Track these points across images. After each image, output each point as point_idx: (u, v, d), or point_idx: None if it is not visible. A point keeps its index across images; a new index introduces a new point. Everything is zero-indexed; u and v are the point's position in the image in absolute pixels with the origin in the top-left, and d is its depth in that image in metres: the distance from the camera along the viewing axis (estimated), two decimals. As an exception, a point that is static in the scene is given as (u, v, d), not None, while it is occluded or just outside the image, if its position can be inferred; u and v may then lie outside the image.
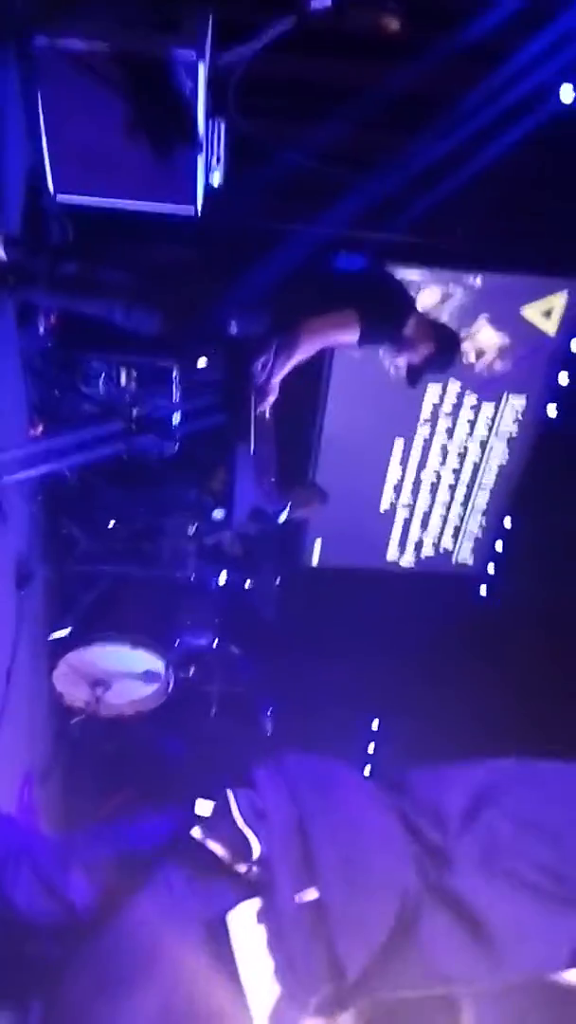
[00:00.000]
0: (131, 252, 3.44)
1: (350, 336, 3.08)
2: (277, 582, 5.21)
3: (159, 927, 1.36)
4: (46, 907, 1.50)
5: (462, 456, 5.45)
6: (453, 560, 5.93)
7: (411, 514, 5.73)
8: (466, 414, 5.24)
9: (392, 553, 5.87)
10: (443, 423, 5.27)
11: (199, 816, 1.47)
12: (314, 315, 3.05)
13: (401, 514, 5.72)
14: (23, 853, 1.59)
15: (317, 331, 3.06)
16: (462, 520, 5.78)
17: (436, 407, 5.17)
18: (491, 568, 5.89)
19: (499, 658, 5.62)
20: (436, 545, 5.88)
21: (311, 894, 1.33)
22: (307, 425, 5.13)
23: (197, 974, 1.32)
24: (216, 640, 4.98)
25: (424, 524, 5.78)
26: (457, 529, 5.82)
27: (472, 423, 5.29)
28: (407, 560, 5.91)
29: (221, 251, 3.53)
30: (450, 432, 5.30)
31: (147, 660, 4.58)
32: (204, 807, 1.48)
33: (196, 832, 1.46)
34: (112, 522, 4.43)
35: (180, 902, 1.40)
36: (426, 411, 5.19)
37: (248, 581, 4.93)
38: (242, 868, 1.39)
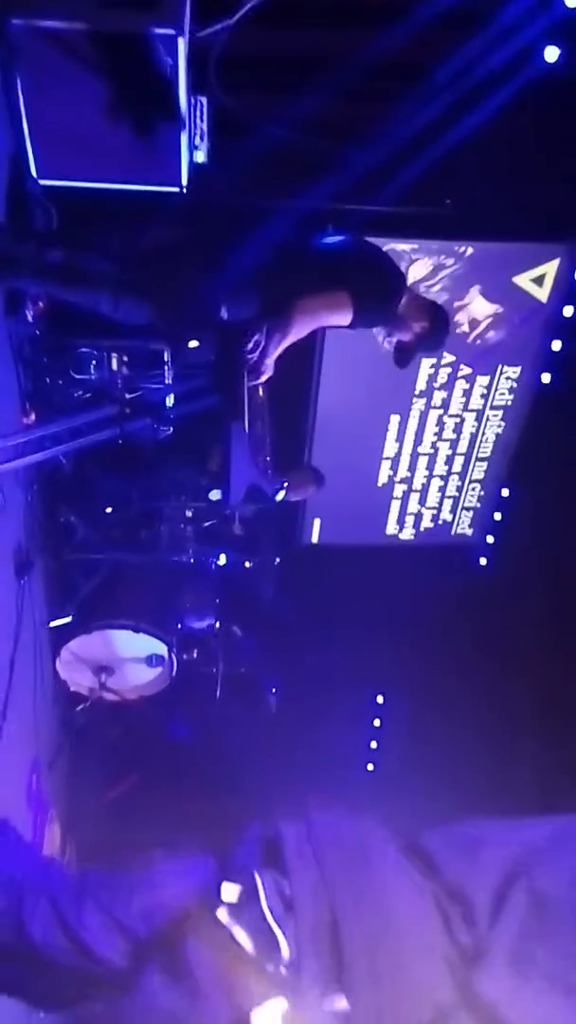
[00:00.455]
0: (117, 236, 3.39)
1: (343, 318, 3.06)
2: (277, 561, 5.21)
3: (181, 1017, 1.33)
4: (62, 945, 1.49)
5: (458, 428, 5.43)
6: (452, 532, 5.93)
7: (409, 488, 5.72)
8: (461, 385, 5.22)
9: (391, 527, 5.87)
10: (438, 396, 5.24)
11: (224, 900, 1.41)
12: (305, 296, 3.02)
13: (399, 488, 5.71)
14: (43, 886, 1.58)
15: (309, 315, 3.03)
16: (460, 492, 5.77)
17: (431, 380, 5.15)
18: (490, 538, 5.89)
19: (500, 627, 5.64)
20: (435, 517, 5.88)
21: (341, 1003, 1.28)
22: (301, 404, 5.10)
23: None
24: (218, 622, 4.99)
25: (422, 497, 5.78)
26: (455, 501, 5.82)
27: (467, 394, 5.27)
28: (406, 534, 5.91)
29: (208, 230, 3.49)
30: (445, 404, 5.28)
31: (150, 644, 4.59)
32: (230, 892, 1.42)
33: (223, 916, 1.40)
34: (109, 508, 4.41)
35: (202, 989, 1.35)
36: (421, 384, 5.16)
37: (248, 561, 4.92)
38: (269, 967, 1.34)
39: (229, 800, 5.30)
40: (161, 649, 4.62)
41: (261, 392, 3.57)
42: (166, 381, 3.82)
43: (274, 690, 5.20)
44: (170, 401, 3.89)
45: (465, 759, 5.37)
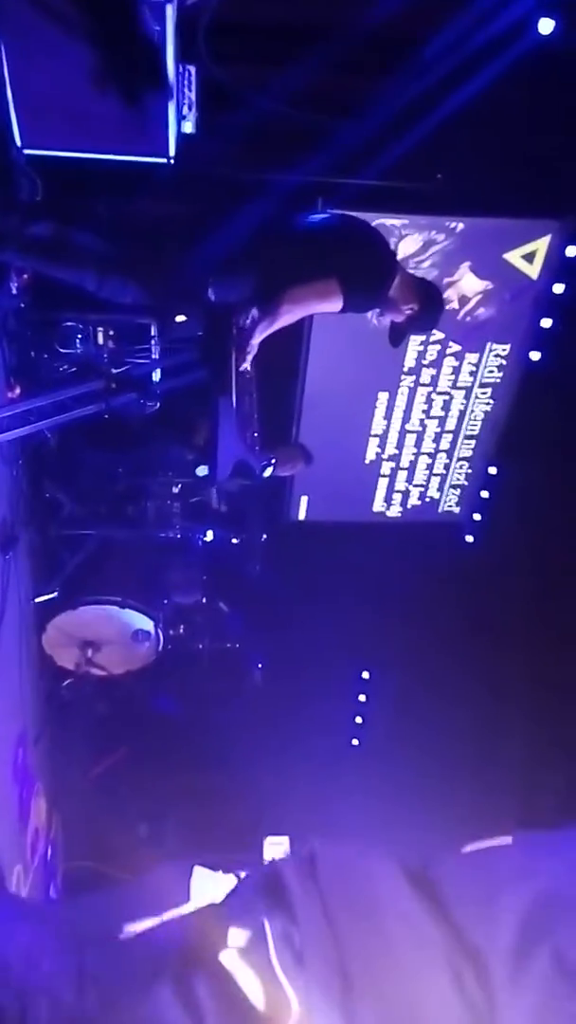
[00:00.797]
0: (103, 207, 3.35)
1: (332, 305, 3.03)
2: (264, 538, 5.21)
3: None
4: None
5: (446, 405, 5.42)
6: (439, 509, 5.93)
7: (396, 465, 5.71)
8: (449, 363, 5.20)
9: (378, 505, 5.87)
10: (427, 373, 5.23)
11: (231, 944, 1.38)
12: (295, 282, 2.99)
13: (386, 466, 5.70)
14: (42, 988, 1.54)
15: (298, 304, 3.01)
16: (447, 469, 5.77)
17: (419, 357, 5.13)
18: (477, 516, 5.91)
19: (487, 604, 5.68)
20: (422, 495, 5.88)
21: None
22: (289, 380, 5.07)
23: None
24: (204, 598, 4.99)
25: (410, 475, 5.77)
26: (443, 479, 5.82)
27: (456, 371, 5.25)
28: (394, 511, 5.91)
29: (196, 204, 3.45)
30: (434, 382, 5.26)
31: (136, 620, 4.60)
32: (238, 937, 1.38)
33: (229, 960, 1.37)
34: (95, 484, 4.39)
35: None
36: (409, 361, 5.14)
37: (235, 538, 4.92)
38: (277, 1019, 1.32)
39: (215, 774, 5.36)
40: (147, 624, 4.63)
41: (249, 368, 3.54)
42: (153, 356, 3.79)
43: (260, 665, 5.23)
44: (157, 376, 3.86)
45: (451, 734, 5.43)
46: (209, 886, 2.50)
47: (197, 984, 1.33)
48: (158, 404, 3.97)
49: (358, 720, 6.70)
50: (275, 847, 3.21)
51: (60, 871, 5.13)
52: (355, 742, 6.73)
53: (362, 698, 6.67)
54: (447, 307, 4.75)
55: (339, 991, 1.29)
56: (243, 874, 1.57)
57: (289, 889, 1.37)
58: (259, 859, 3.98)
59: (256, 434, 3.90)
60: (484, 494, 5.85)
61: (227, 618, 5.13)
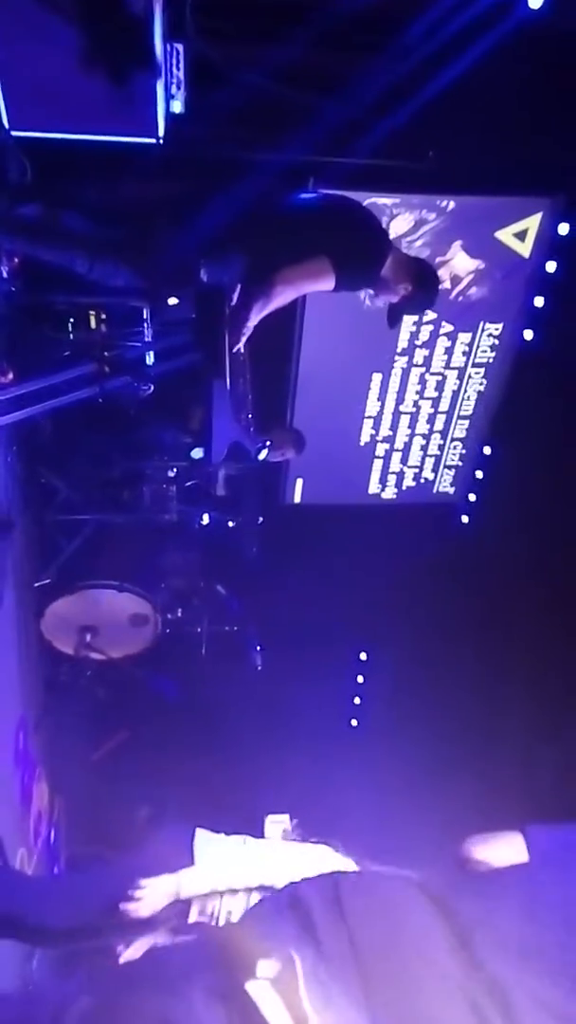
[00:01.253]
0: (93, 189, 3.32)
1: (325, 285, 3.01)
2: (260, 521, 5.21)
3: None
4: None
5: (440, 386, 5.42)
6: (434, 490, 5.95)
7: (391, 447, 5.72)
8: (443, 343, 5.20)
9: (373, 486, 5.88)
10: (420, 354, 5.22)
11: (260, 975, 1.39)
12: (287, 263, 2.97)
13: (381, 447, 5.71)
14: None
15: (290, 284, 2.98)
16: (442, 450, 5.78)
17: (412, 338, 5.12)
18: (472, 496, 5.92)
19: (482, 583, 5.70)
20: (417, 476, 5.90)
21: None
22: (283, 363, 5.07)
23: None
24: (202, 581, 5.00)
25: (404, 456, 5.78)
26: (437, 459, 5.83)
27: (449, 351, 5.25)
28: (389, 493, 5.92)
29: (186, 184, 3.42)
30: (427, 362, 5.26)
31: (134, 604, 4.61)
32: (268, 969, 1.39)
33: (258, 990, 1.38)
34: (90, 469, 4.39)
35: None
36: (403, 342, 5.14)
37: (231, 521, 4.92)
38: None
39: (215, 756, 5.39)
40: (145, 608, 4.64)
41: (242, 350, 3.54)
42: (146, 339, 3.78)
43: (259, 647, 5.24)
44: (150, 359, 3.85)
45: (448, 713, 5.47)
46: (212, 848, 2.54)
47: (226, 1010, 1.35)
48: (152, 388, 3.96)
49: (356, 701, 6.75)
50: (276, 825, 3.22)
51: (63, 855, 5.17)
52: (354, 722, 6.77)
53: (360, 679, 6.71)
54: (439, 287, 4.76)
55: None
56: (258, 900, 1.55)
57: (314, 918, 1.38)
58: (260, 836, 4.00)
59: (250, 416, 3.89)
60: (479, 474, 5.86)
61: (225, 601, 5.15)
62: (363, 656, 6.67)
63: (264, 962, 1.35)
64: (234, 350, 3.24)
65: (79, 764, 5.21)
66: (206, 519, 4.81)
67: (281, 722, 5.64)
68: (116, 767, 5.21)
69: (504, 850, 1.80)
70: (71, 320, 3.62)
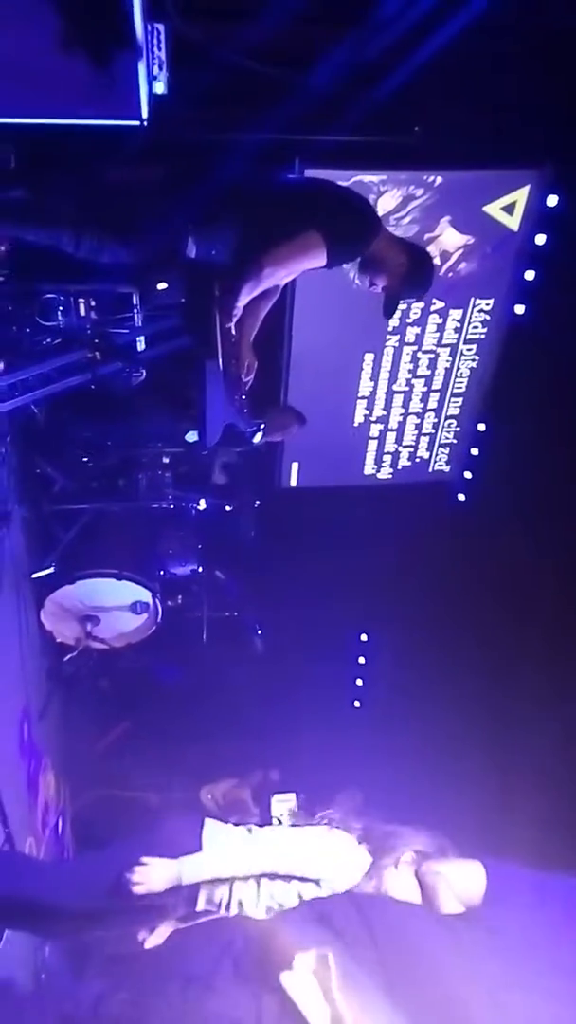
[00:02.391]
0: (78, 174, 3.29)
1: (316, 260, 2.99)
2: (256, 505, 5.21)
3: None
4: None
5: (432, 364, 5.41)
6: (430, 469, 5.94)
7: (385, 427, 5.71)
8: (434, 320, 5.18)
9: (369, 467, 5.87)
10: (411, 332, 5.21)
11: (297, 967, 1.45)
12: (276, 239, 2.94)
13: (375, 427, 5.69)
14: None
15: (282, 259, 2.96)
16: (436, 428, 5.77)
17: (403, 316, 5.10)
18: (468, 474, 5.92)
19: (481, 561, 5.70)
20: (412, 456, 5.89)
21: None
22: (275, 346, 5.04)
23: None
24: (200, 566, 5.00)
25: (399, 436, 5.77)
26: (432, 438, 5.82)
27: (440, 329, 5.23)
28: (384, 473, 5.92)
29: (172, 165, 3.39)
30: (419, 340, 5.24)
31: (133, 592, 4.61)
32: (304, 962, 1.46)
33: (294, 981, 1.44)
34: (86, 458, 4.37)
35: None
36: (393, 321, 5.10)
37: (228, 506, 4.91)
38: None
39: (220, 741, 5.41)
40: (145, 596, 4.64)
41: (233, 331, 3.52)
42: (136, 324, 3.75)
43: (260, 631, 5.25)
44: (141, 344, 3.83)
45: (449, 690, 5.48)
46: (219, 837, 2.54)
47: (259, 1000, 1.40)
48: (144, 373, 3.95)
49: (359, 682, 6.77)
50: (282, 803, 3.25)
51: (71, 843, 5.18)
52: (356, 704, 6.80)
53: (361, 660, 6.73)
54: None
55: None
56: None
57: (342, 925, 1.49)
58: (267, 817, 4.04)
59: (244, 398, 3.87)
60: (474, 451, 5.85)
61: (224, 586, 5.15)
62: (364, 637, 6.69)
63: (302, 956, 1.42)
64: (225, 330, 3.22)
65: (85, 753, 5.23)
66: (203, 504, 4.80)
67: (284, 705, 5.65)
68: (122, 754, 5.23)
69: (461, 875, 1.87)
70: (60, 307, 3.60)
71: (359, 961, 1.47)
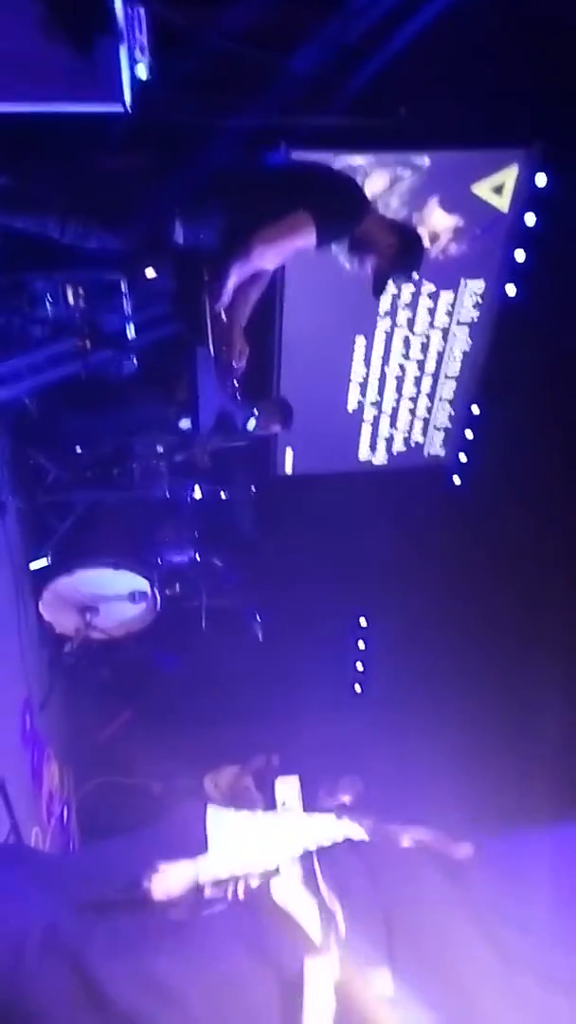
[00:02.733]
0: (63, 161, 3.28)
1: (306, 239, 2.98)
2: (253, 492, 5.21)
3: (249, 940, 1.39)
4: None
5: (425, 347, 5.40)
6: (425, 453, 5.95)
7: (379, 411, 5.71)
8: (425, 303, 5.17)
9: (364, 452, 5.88)
10: (403, 315, 5.20)
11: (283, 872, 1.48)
12: (264, 220, 2.94)
13: (369, 413, 5.69)
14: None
15: (271, 240, 2.95)
16: (430, 412, 5.77)
17: (395, 299, 5.10)
18: (463, 456, 5.92)
19: (478, 543, 5.71)
20: (407, 440, 5.89)
21: (385, 979, 1.37)
22: (266, 333, 5.03)
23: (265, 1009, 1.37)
24: (197, 554, 5.00)
25: (393, 420, 5.77)
26: (426, 422, 5.82)
27: (432, 312, 5.23)
28: (379, 458, 5.92)
29: (157, 150, 3.38)
30: (411, 323, 5.24)
31: (131, 581, 4.61)
32: (291, 869, 1.48)
33: (282, 887, 1.47)
34: (79, 448, 4.37)
35: (267, 932, 1.42)
36: (385, 304, 5.11)
37: (223, 493, 4.91)
38: (325, 936, 1.41)
39: (222, 728, 5.42)
40: (143, 585, 4.64)
41: (224, 316, 3.52)
42: (126, 312, 3.74)
43: (259, 618, 5.26)
44: (131, 332, 3.82)
45: (448, 672, 5.50)
46: (223, 825, 2.55)
47: (273, 976, 1.42)
48: (136, 361, 3.94)
49: (359, 666, 6.78)
50: (286, 787, 3.28)
51: (77, 833, 5.21)
52: (357, 688, 6.81)
53: (361, 645, 6.74)
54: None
55: (383, 927, 1.39)
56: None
57: (350, 886, 1.52)
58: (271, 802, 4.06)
59: (236, 383, 3.87)
60: (468, 435, 5.86)
61: (222, 573, 5.15)
62: (363, 622, 6.70)
63: (287, 864, 1.44)
64: (216, 315, 3.22)
65: (88, 743, 5.25)
66: (198, 493, 4.80)
67: (285, 691, 5.67)
68: (124, 744, 5.25)
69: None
70: (48, 297, 3.58)
71: (365, 924, 1.48)
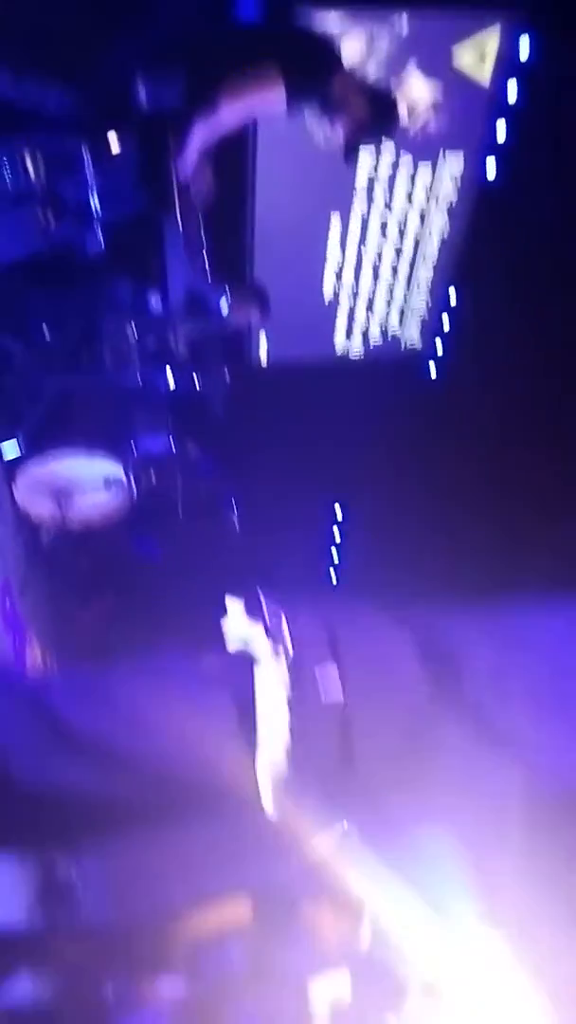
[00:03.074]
0: (18, 11, 3.09)
1: (275, 97, 2.86)
2: (227, 379, 5.15)
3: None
4: None
5: (402, 230, 5.27)
6: (402, 343, 5.88)
7: (355, 300, 5.60)
8: (403, 181, 5.01)
9: (340, 342, 5.80)
10: (379, 194, 5.04)
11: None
12: (231, 74, 2.81)
13: (345, 301, 5.59)
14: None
15: (237, 96, 2.83)
16: (407, 300, 5.68)
17: (371, 174, 4.92)
18: (439, 342, 5.87)
19: (454, 434, 5.73)
20: (383, 330, 5.81)
21: (333, 674, 1.43)
22: (237, 217, 4.87)
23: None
24: (172, 441, 4.99)
25: (369, 308, 5.68)
26: (403, 310, 5.73)
27: (410, 192, 5.07)
28: (356, 348, 5.85)
29: (118, 4, 3.19)
30: (387, 202, 5.08)
31: (105, 467, 4.61)
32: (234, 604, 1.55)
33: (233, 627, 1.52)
34: (45, 328, 4.27)
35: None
36: (361, 180, 4.94)
37: (197, 379, 4.86)
38: (273, 648, 1.46)
39: (201, 613, 5.53)
40: (117, 471, 4.64)
41: (191, 188, 3.40)
42: (88, 181, 3.59)
43: (235, 505, 5.29)
44: (95, 203, 3.67)
45: (422, 557, 5.60)
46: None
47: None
48: (101, 236, 3.81)
49: (334, 554, 6.90)
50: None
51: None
52: (332, 572, 6.95)
53: (336, 533, 6.84)
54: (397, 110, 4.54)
55: (328, 646, 1.47)
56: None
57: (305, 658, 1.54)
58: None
59: (206, 261, 3.78)
60: (445, 326, 5.78)
61: (197, 461, 5.15)
62: (338, 512, 6.78)
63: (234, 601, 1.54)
64: (182, 186, 3.12)
65: (68, 628, 5.34)
66: (171, 379, 4.73)
67: (263, 577, 5.75)
68: (105, 628, 5.35)
69: None
70: (4, 163, 3.41)
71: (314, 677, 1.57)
